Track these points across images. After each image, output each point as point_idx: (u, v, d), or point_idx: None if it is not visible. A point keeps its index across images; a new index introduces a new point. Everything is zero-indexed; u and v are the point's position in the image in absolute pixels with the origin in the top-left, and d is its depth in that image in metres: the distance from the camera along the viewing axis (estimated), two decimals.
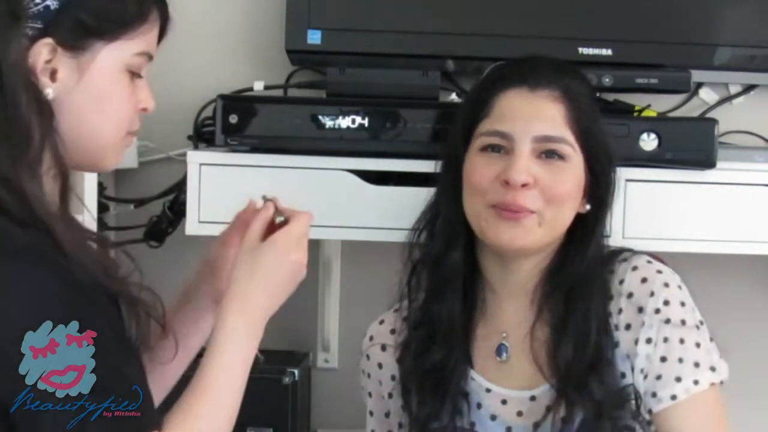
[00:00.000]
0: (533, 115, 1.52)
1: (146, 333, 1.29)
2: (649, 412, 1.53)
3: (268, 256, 1.35)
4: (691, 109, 2.19)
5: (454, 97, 2.02)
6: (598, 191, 1.57)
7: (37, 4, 1.23)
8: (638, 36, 2.01)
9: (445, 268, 1.59)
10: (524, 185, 1.50)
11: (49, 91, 1.24)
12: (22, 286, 1.15)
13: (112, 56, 1.27)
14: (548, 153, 1.52)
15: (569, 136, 1.53)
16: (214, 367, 1.29)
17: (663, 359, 1.52)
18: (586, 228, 1.57)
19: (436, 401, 1.57)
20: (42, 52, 1.23)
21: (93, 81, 1.27)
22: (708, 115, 2.16)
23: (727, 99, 2.20)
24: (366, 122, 1.86)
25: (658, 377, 1.52)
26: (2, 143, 1.21)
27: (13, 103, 1.21)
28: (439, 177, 1.62)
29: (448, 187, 1.59)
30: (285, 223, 1.39)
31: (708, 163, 1.85)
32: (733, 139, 2.15)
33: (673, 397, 1.51)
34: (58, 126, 1.24)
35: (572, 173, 1.53)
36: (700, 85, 2.18)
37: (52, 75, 1.25)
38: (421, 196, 1.66)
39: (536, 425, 1.54)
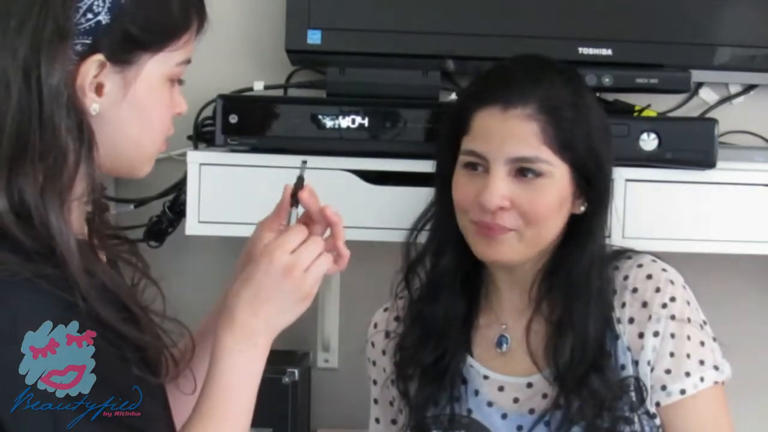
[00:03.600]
0: (506, 137, 1.51)
1: (161, 367, 1.26)
2: (657, 405, 1.54)
3: (258, 266, 1.30)
4: (691, 109, 2.19)
5: (454, 97, 2.02)
6: (591, 193, 1.56)
7: (88, 20, 1.19)
8: (638, 36, 2.01)
9: (438, 271, 1.61)
10: (501, 208, 1.51)
11: (96, 106, 1.21)
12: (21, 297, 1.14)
13: (156, 68, 1.25)
14: (524, 172, 1.52)
15: (545, 153, 1.52)
16: (211, 389, 1.27)
17: (672, 354, 1.53)
18: (583, 228, 1.57)
19: (433, 388, 1.58)
20: (91, 68, 1.19)
21: (137, 94, 1.23)
22: (708, 115, 2.16)
23: (727, 99, 2.20)
24: (366, 122, 1.86)
25: (668, 371, 1.53)
26: (34, 170, 1.16)
27: (51, 129, 1.16)
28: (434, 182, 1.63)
29: (441, 195, 1.61)
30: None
31: (708, 163, 1.85)
32: (733, 139, 2.15)
33: (683, 392, 1.53)
34: (98, 150, 1.20)
35: (551, 188, 1.52)
36: (700, 85, 2.18)
37: (98, 89, 1.21)
38: (420, 196, 1.66)
39: (531, 411, 1.55)
